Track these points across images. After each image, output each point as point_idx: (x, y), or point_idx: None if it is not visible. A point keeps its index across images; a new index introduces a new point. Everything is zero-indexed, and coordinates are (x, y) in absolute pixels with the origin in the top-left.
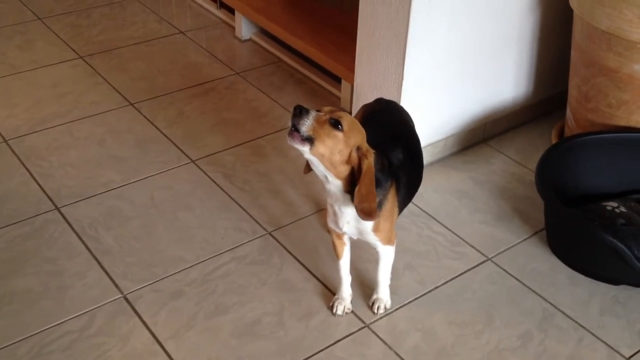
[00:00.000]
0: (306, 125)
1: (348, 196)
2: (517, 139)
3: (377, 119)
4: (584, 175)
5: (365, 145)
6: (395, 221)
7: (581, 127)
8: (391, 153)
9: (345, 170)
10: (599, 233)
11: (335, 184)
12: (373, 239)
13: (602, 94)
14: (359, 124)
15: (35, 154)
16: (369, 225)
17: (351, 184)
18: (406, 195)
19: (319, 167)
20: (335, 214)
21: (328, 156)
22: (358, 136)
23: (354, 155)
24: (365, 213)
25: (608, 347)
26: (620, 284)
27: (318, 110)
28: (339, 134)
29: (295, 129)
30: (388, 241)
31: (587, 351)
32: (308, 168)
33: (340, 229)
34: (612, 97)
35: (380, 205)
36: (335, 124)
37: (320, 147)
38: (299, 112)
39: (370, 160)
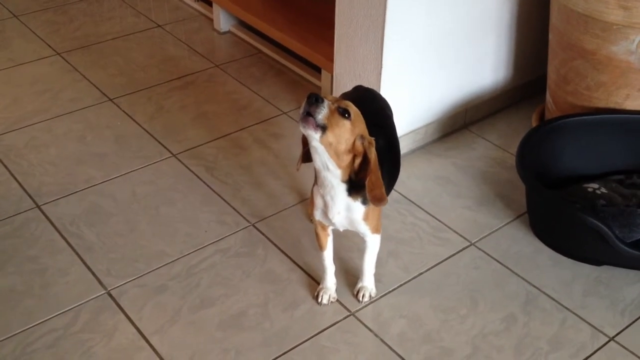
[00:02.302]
0: (322, 114)
1: (344, 186)
2: (498, 123)
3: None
4: (565, 158)
5: (367, 134)
6: (381, 210)
7: (561, 110)
8: (376, 142)
9: (347, 159)
10: (580, 214)
11: (335, 174)
12: (363, 228)
13: (580, 76)
14: (360, 113)
15: (14, 152)
16: (360, 214)
17: (348, 172)
18: (389, 184)
19: (322, 156)
20: (325, 205)
21: (335, 145)
22: (361, 125)
23: (358, 144)
24: (378, 199)
25: (592, 327)
26: (602, 264)
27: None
28: (347, 123)
29: (309, 115)
30: (376, 230)
31: (571, 332)
32: (301, 163)
33: (330, 221)
34: (590, 79)
35: None
36: (343, 113)
37: (330, 136)
38: (315, 100)
39: (374, 149)
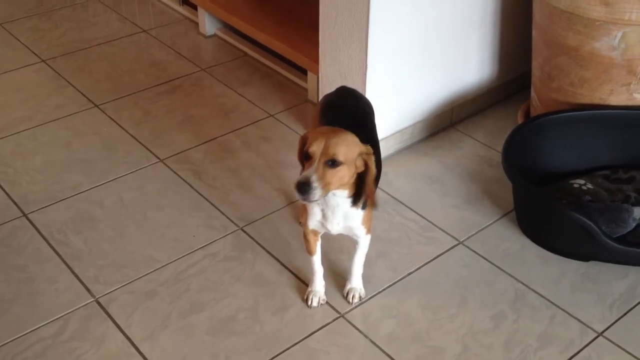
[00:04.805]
0: (316, 195)
1: (349, 200)
2: (484, 121)
3: (339, 108)
4: (551, 154)
5: (364, 149)
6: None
7: (546, 106)
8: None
9: (352, 179)
10: (566, 210)
11: (341, 195)
12: (360, 231)
13: (564, 73)
14: (349, 136)
15: (0, 160)
16: (358, 219)
17: (354, 188)
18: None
19: (331, 194)
20: (324, 217)
21: (339, 184)
22: (355, 149)
23: (359, 162)
24: (370, 195)
25: (580, 323)
26: (589, 260)
27: (308, 154)
28: (343, 167)
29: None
30: (369, 230)
31: (560, 328)
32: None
33: (328, 230)
34: (574, 76)
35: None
36: (333, 165)
37: (331, 187)
38: (305, 190)
39: (372, 157)
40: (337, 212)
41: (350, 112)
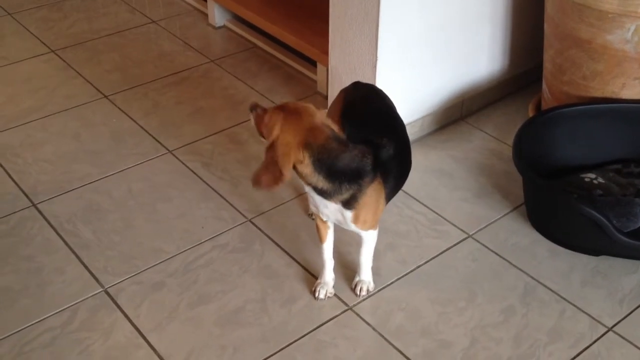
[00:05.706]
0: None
1: (312, 189)
2: (494, 114)
3: (360, 108)
4: (562, 148)
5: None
6: (380, 213)
7: (557, 100)
8: (380, 146)
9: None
10: (577, 205)
11: (303, 183)
12: (354, 228)
13: (576, 66)
14: (291, 115)
15: (10, 151)
16: (348, 217)
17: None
18: (395, 185)
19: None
20: (315, 205)
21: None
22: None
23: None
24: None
25: (590, 317)
26: (600, 254)
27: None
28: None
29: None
30: (370, 227)
31: (569, 322)
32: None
33: (324, 217)
34: (586, 69)
35: (356, 198)
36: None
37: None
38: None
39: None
40: (318, 200)
41: (377, 113)
